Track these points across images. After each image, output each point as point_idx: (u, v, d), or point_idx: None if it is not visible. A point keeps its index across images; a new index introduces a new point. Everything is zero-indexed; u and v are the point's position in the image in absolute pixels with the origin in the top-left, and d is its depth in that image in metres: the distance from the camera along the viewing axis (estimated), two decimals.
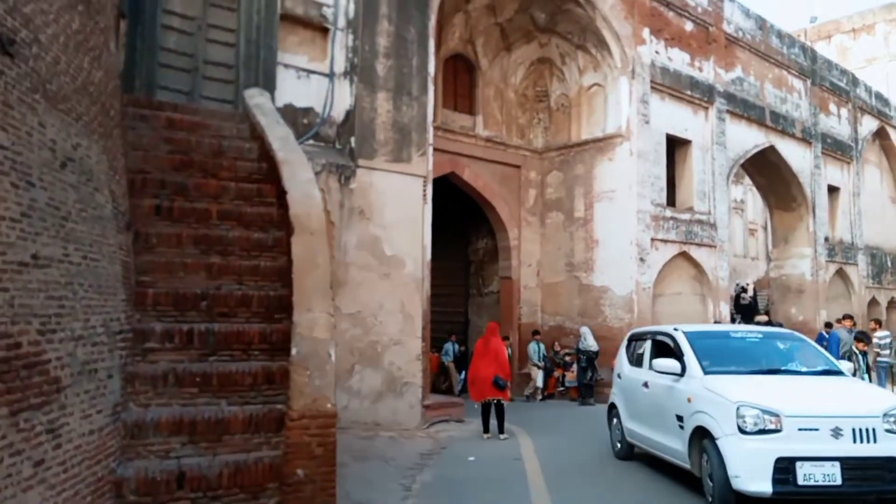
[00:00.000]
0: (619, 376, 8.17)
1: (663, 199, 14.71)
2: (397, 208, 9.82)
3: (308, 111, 9.20)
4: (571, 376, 14.16)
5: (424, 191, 10.26)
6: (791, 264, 19.88)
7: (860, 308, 21.15)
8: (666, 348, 6.96)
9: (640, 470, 7.33)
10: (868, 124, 22.65)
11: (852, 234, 21.49)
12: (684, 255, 15.13)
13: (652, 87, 14.33)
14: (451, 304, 16.26)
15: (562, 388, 14.40)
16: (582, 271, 14.70)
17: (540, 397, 14.17)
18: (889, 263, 23.72)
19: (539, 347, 14.17)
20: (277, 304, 5.53)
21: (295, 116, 8.95)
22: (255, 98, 7.75)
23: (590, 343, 13.42)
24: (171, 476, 4.22)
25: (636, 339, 8.14)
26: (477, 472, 7.43)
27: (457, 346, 15.46)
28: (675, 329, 7.06)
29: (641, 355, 7.60)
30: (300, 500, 4.25)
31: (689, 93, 15.22)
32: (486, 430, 9.31)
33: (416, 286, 10.12)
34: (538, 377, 14.13)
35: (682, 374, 6.28)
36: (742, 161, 17.13)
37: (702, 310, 15.51)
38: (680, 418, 6.08)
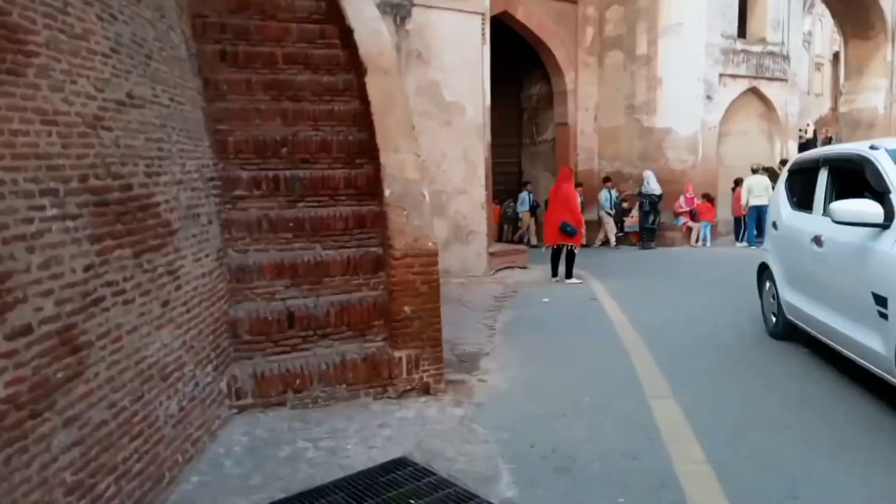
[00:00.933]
0: (774, 225, 5.85)
1: (734, 30, 13.60)
2: (456, 50, 9.26)
3: None
4: (631, 221, 13.99)
5: (483, 30, 9.61)
6: (863, 98, 18.63)
7: None
8: (854, 182, 4.45)
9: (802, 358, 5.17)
10: None
11: None
12: (753, 91, 14.25)
13: None
14: (504, 153, 15.88)
15: (620, 234, 14.30)
16: (643, 113, 14.02)
17: (614, 244, 14.05)
18: None
19: (610, 194, 13.88)
20: (357, 148, 5.34)
21: None
22: None
23: (653, 187, 13.09)
24: (281, 316, 4.31)
25: (802, 169, 5.63)
26: (555, 311, 7.55)
27: (532, 196, 15.24)
28: (874, 148, 4.27)
29: (811, 194, 5.12)
30: (408, 336, 4.33)
31: None
32: (555, 274, 9.37)
33: (477, 133, 9.79)
34: (610, 224, 13.96)
35: (887, 226, 3.77)
36: None
37: (769, 149, 14.84)
38: (882, 300, 3.64)
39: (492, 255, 10.27)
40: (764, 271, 6.08)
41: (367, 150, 5.32)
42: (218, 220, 4.36)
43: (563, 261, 9.26)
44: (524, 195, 15.20)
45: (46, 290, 2.33)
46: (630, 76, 14.14)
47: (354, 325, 4.48)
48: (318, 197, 5.01)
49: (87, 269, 2.59)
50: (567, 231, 8.96)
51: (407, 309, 4.29)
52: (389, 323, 4.41)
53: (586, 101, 14.78)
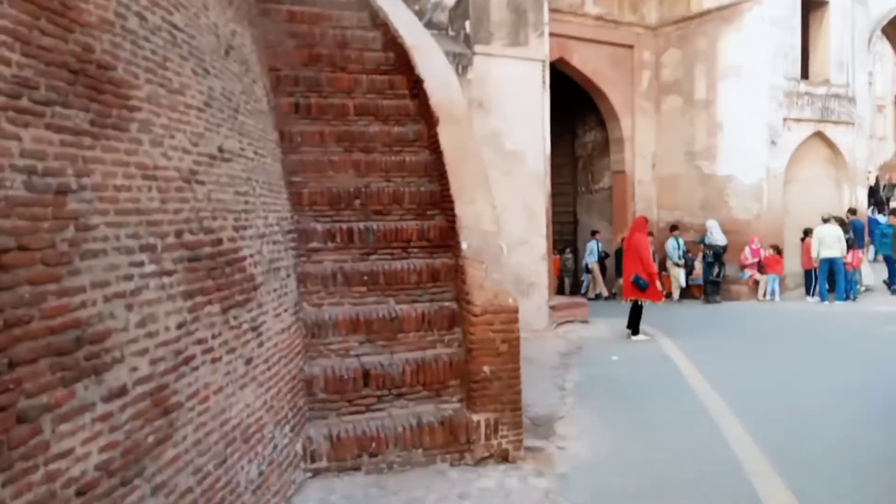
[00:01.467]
0: None
1: (797, 71, 13.25)
2: (516, 98, 9.22)
3: None
4: (695, 273, 13.46)
5: (543, 77, 9.57)
6: None
7: None
8: None
9: None
10: None
11: None
12: (819, 135, 13.76)
13: None
14: (559, 202, 15.68)
15: (683, 287, 13.71)
16: (703, 160, 13.68)
17: (677, 297, 13.44)
18: None
19: (679, 243, 13.30)
20: (428, 199, 5.26)
21: (404, 3, 8.37)
22: None
23: (717, 237, 12.62)
24: (356, 373, 4.16)
25: None
26: (627, 371, 7.18)
27: (601, 245, 14.91)
28: None
29: None
30: (487, 398, 4.10)
31: None
32: (634, 331, 8.96)
33: (538, 183, 9.66)
34: (680, 275, 13.35)
35: None
36: (884, 22, 15.10)
37: (837, 196, 14.24)
38: None
39: (553, 308, 9.98)
40: None
41: (438, 202, 5.23)
42: (295, 273, 4.27)
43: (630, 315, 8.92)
44: (592, 245, 14.81)
45: (142, 348, 2.23)
46: (689, 122, 13.88)
47: (430, 384, 4.29)
48: (391, 249, 4.91)
49: (179, 326, 2.49)
50: (639, 285, 8.62)
51: (486, 369, 4.07)
52: (467, 383, 4.20)
53: (643, 148, 14.54)
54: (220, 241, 2.92)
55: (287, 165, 4.97)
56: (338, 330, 4.31)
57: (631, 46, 14.14)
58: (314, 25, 6.55)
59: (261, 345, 3.32)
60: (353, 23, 6.93)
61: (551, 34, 10.05)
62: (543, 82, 9.60)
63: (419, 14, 8.61)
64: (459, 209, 4.63)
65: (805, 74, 13.67)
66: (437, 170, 5.32)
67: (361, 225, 4.90)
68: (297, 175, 5.05)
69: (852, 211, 13.54)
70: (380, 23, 6.77)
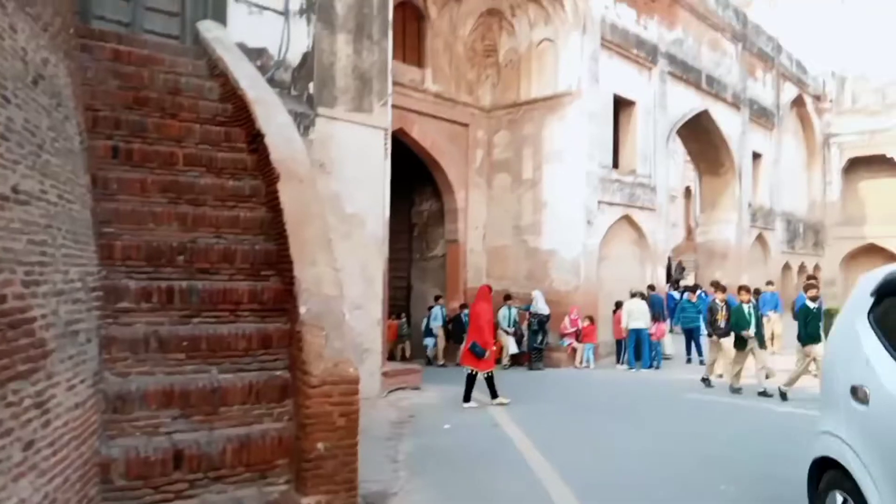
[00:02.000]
0: (856, 394, 3.16)
1: (609, 160, 14.75)
2: (358, 163, 9.19)
3: (261, 52, 8.34)
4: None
5: (385, 144, 9.67)
6: (717, 229, 20.64)
7: (775, 272, 22.34)
8: None
9: None
10: (789, 91, 23.71)
11: (771, 201, 22.56)
12: (627, 219, 15.30)
13: (602, 45, 14.19)
14: (395, 268, 15.76)
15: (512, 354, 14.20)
16: (529, 234, 14.56)
17: (506, 364, 13.76)
18: (801, 230, 25.18)
19: (510, 312, 13.73)
20: (264, 259, 4.92)
21: (247, 58, 8.10)
22: (213, 31, 6.90)
23: (541, 307, 13.33)
24: (165, 455, 3.62)
25: None
26: (459, 441, 7.12)
27: (444, 311, 14.89)
28: None
29: None
30: (319, 478, 3.76)
31: (635, 52, 15.21)
32: (466, 398, 8.96)
33: (377, 247, 9.59)
34: (510, 343, 13.73)
35: None
36: (680, 125, 17.43)
37: (640, 273, 15.80)
38: None
39: (385, 375, 9.79)
40: (826, 468, 3.37)
41: (274, 262, 4.91)
42: (98, 337, 3.70)
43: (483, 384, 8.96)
44: (437, 310, 14.89)
45: None
46: (517, 198, 14.77)
47: (254, 464, 3.86)
48: (218, 312, 4.48)
49: None
50: (475, 352, 8.73)
51: (320, 446, 3.76)
52: (297, 462, 3.84)
53: (476, 220, 15.18)
54: (3, 299, 2.41)
55: (99, 214, 4.40)
56: (146, 403, 3.77)
57: (466, 125, 14.90)
58: (143, 68, 6.06)
59: (46, 424, 2.76)
60: (189, 70, 6.53)
61: (393, 105, 10.27)
62: (385, 150, 9.70)
63: (262, 70, 8.37)
64: (299, 271, 4.35)
65: (616, 164, 15.25)
66: (274, 228, 5.02)
67: (184, 283, 4.43)
68: (109, 225, 4.49)
69: (651, 287, 15.03)
70: (218, 73, 6.45)
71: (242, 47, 8.03)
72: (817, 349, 8.87)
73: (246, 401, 4.07)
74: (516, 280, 14.69)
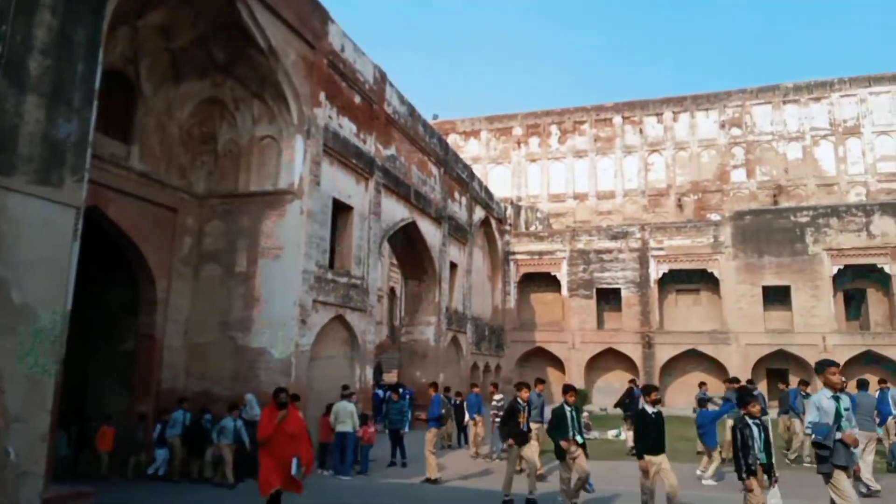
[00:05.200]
0: None
1: (326, 260, 14.86)
2: (37, 244, 7.68)
3: None
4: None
5: (77, 225, 8.30)
6: (419, 330, 22.02)
7: (466, 372, 24.48)
8: None
9: None
10: (478, 213, 27.09)
11: (463, 306, 24.98)
12: (339, 318, 15.40)
13: (324, 150, 14.58)
14: (72, 366, 13.33)
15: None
16: (238, 331, 13.68)
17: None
18: (486, 333, 28.20)
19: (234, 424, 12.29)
20: None
21: None
22: None
23: (255, 412, 12.30)
24: None
25: None
26: None
27: (189, 416, 12.64)
28: None
29: None
30: None
31: (354, 161, 15.94)
32: None
33: (50, 345, 7.96)
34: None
35: None
36: (391, 232, 18.51)
37: (350, 373, 15.88)
38: None
39: (47, 501, 7.93)
40: None
41: None
42: None
43: None
44: (179, 415, 12.61)
45: None
46: (227, 292, 13.86)
47: None
48: None
49: None
50: (298, 473, 7.38)
51: None
52: None
53: (177, 313, 13.77)
54: None
55: None
56: None
57: (175, 209, 13.78)
58: None
59: None
60: None
61: (89, 180, 8.98)
62: (75, 231, 8.31)
63: None
64: None
65: (332, 264, 15.43)
66: None
67: None
68: None
69: (345, 387, 15.12)
70: None
71: None
72: (658, 460, 7.93)
73: None
74: (219, 380, 13.53)
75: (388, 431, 14.83)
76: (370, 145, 16.82)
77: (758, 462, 6.79)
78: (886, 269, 26.95)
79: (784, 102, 38.64)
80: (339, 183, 15.36)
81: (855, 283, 28.47)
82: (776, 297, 28.38)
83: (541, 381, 13.64)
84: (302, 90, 13.84)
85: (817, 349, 26.56)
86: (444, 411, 13.98)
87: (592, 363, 30.45)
